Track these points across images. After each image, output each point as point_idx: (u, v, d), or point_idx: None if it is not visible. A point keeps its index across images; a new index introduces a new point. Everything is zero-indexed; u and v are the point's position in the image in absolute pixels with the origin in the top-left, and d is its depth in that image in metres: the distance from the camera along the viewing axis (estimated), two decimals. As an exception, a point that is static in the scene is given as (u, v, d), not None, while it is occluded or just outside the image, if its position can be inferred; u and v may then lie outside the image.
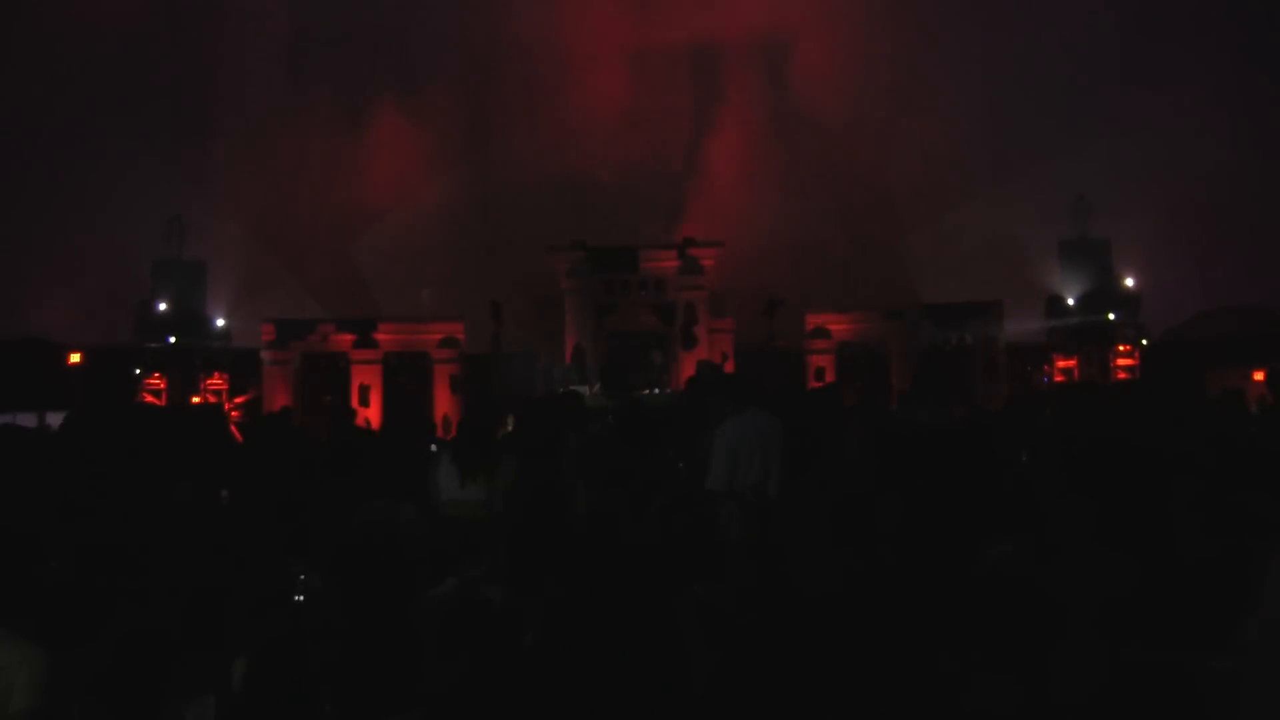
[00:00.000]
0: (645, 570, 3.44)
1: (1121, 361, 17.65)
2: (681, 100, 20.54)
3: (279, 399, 17.59)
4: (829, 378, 17.67)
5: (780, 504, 5.29)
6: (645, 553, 3.65)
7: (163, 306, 18.02)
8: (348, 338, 18.45)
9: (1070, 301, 18.25)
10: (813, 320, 18.50)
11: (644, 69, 20.32)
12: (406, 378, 18.43)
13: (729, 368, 17.00)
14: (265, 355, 18.34)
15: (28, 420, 11.77)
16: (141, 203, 18.44)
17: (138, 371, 17.73)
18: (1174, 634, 2.96)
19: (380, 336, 18.53)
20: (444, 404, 17.88)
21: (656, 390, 15.04)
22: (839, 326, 18.57)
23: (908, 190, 19.89)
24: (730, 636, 3.07)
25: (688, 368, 16.33)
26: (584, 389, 13.18)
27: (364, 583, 3.40)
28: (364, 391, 18.11)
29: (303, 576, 3.82)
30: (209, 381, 18.33)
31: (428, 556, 4.01)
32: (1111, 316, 17.78)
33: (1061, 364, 18.18)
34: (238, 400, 18.29)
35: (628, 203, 20.53)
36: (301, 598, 3.77)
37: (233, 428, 15.01)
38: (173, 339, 17.89)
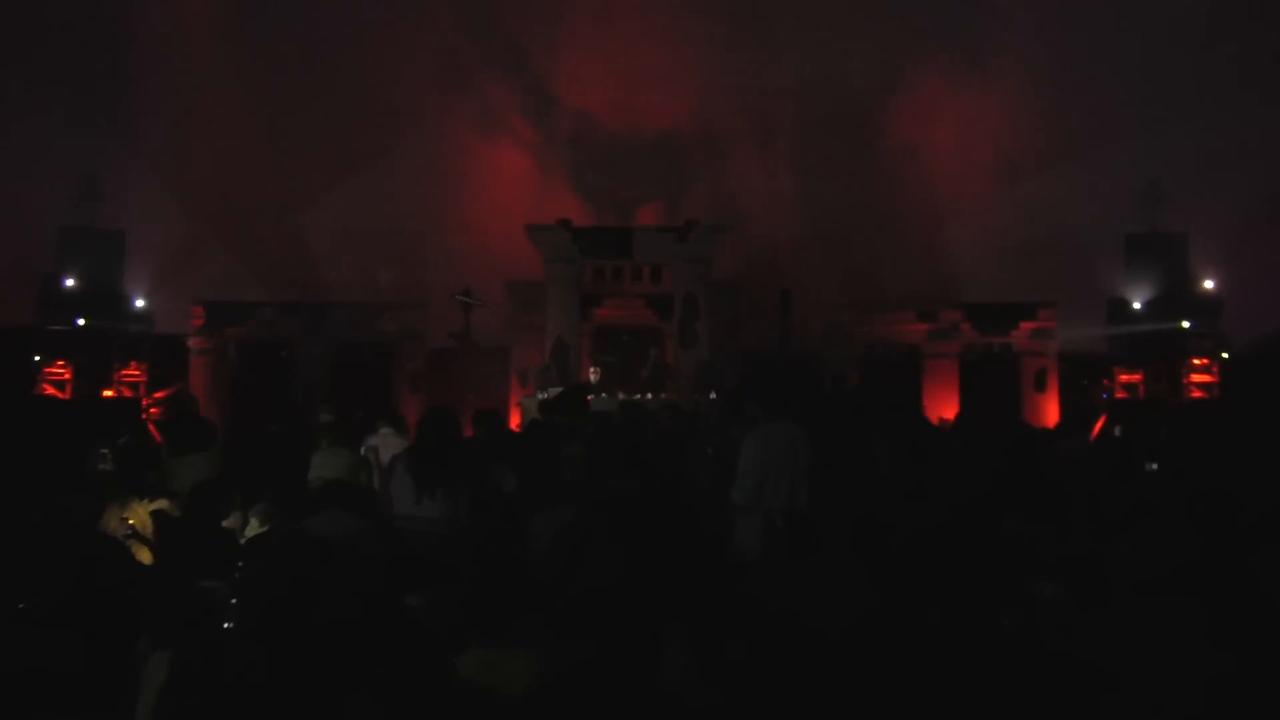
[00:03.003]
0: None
1: (1196, 378, 17.38)
2: (687, 54, 20.28)
3: (207, 393, 17.20)
4: (850, 384, 17.46)
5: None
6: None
7: (70, 282, 17.62)
8: (292, 324, 18.40)
9: (1136, 305, 18.10)
10: (833, 320, 18.53)
11: (640, 13, 20.13)
12: (360, 372, 18.31)
13: (734, 371, 16.97)
14: (193, 343, 18.19)
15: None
16: (48, 160, 18.22)
17: (37, 358, 17.31)
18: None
19: (331, 324, 18.49)
20: (402, 403, 17.32)
21: (649, 395, 15.08)
22: (864, 327, 18.58)
23: (948, 171, 19.82)
24: (732, 676, 3.17)
25: (686, 369, 16.68)
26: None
27: (296, 608, 3.41)
28: (309, 388, 17.63)
29: (234, 601, 3.86)
30: (124, 372, 18.03)
31: (381, 578, 4.15)
32: (1185, 324, 17.52)
33: (1124, 378, 18.02)
34: (158, 395, 17.85)
35: (621, 176, 20.53)
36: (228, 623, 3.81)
37: (151, 427, 14.90)
38: (82, 320, 17.49)
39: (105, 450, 6.68)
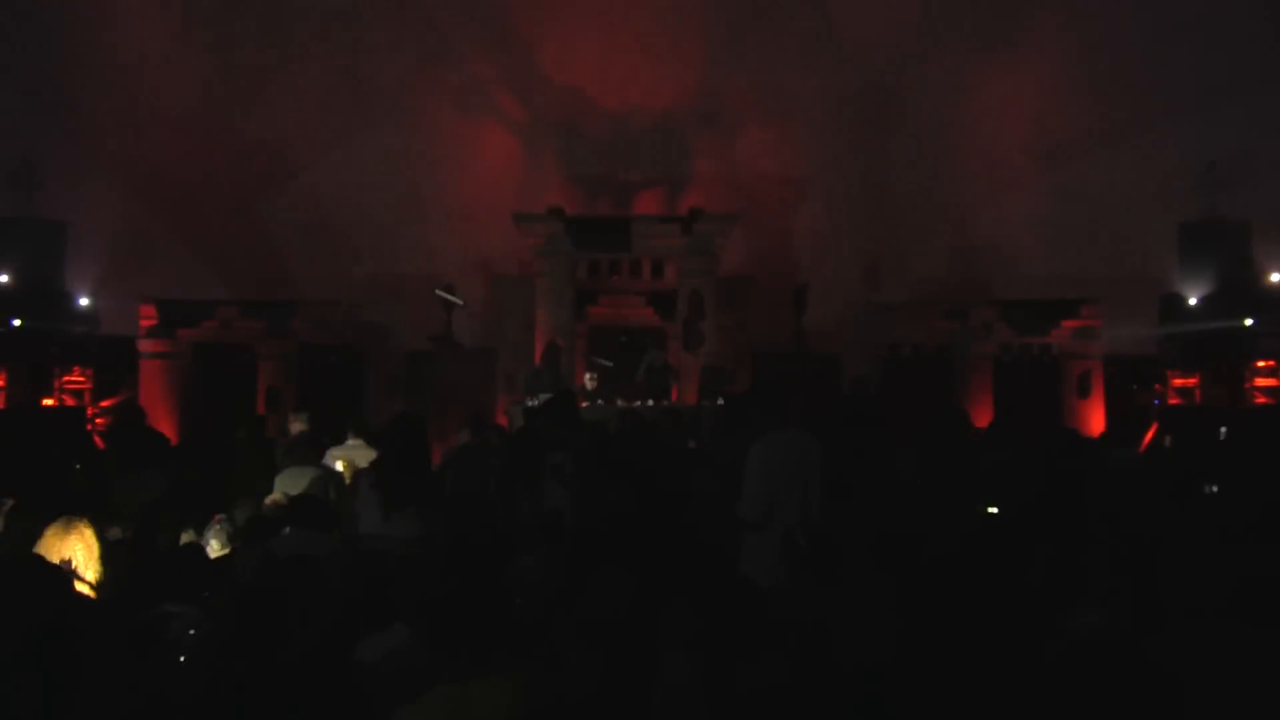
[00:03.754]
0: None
1: (1261, 382, 17.15)
2: (691, 24, 20.26)
3: (160, 402, 17.38)
4: (871, 389, 17.23)
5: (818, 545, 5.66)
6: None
7: (4, 278, 17.40)
8: (255, 325, 18.33)
9: (1192, 301, 17.84)
10: (853, 317, 18.48)
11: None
12: (330, 378, 18.33)
13: (743, 375, 17.50)
14: (144, 345, 18.05)
15: None
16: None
17: (-34, 363, 17.07)
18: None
19: (299, 324, 18.44)
20: (377, 412, 17.21)
21: (651, 402, 15.04)
22: (885, 325, 18.51)
23: (982, 153, 19.77)
24: (747, 706, 3.28)
25: (691, 372, 16.80)
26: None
27: (265, 630, 3.55)
28: (273, 395, 17.95)
29: (193, 631, 3.96)
30: (67, 378, 17.87)
31: (355, 599, 4.29)
32: (1248, 322, 17.19)
33: (1178, 382, 17.84)
34: (104, 404, 17.97)
35: (618, 159, 20.61)
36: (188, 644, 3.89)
37: (96, 439, 15.30)
38: (17, 321, 17.23)
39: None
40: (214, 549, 6.22)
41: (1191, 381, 17.77)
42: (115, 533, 6.01)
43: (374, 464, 6.29)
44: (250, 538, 6.20)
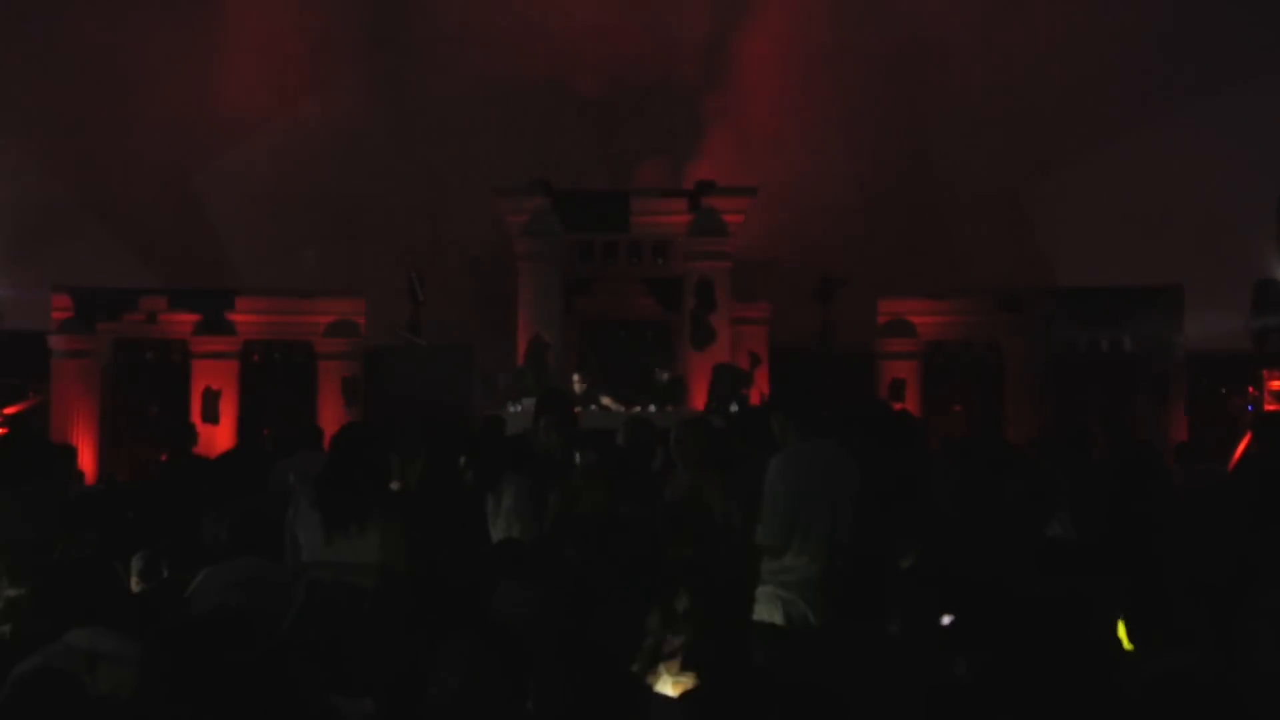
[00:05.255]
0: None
1: (1372, 384, 17.10)
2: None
3: (76, 406, 17.27)
4: (910, 393, 17.65)
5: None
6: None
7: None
8: (188, 318, 18.23)
9: (1293, 289, 17.83)
10: (888, 308, 18.39)
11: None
12: (276, 380, 18.37)
13: (761, 375, 17.55)
14: (56, 342, 18.02)
15: None
16: None
17: None
18: None
19: (239, 317, 18.38)
20: (331, 418, 17.35)
21: (653, 407, 15.33)
22: (928, 319, 18.41)
23: (1039, 118, 19.73)
24: None
25: (700, 373, 16.74)
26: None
27: (202, 685, 3.56)
28: (210, 399, 17.91)
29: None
30: (-40, 381, 17.97)
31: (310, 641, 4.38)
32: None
33: (1276, 384, 17.82)
34: (8, 410, 17.96)
35: (616, 127, 20.70)
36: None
37: None
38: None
39: None
40: (136, 583, 6.23)
41: (1293, 383, 17.76)
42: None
43: (315, 479, 6.15)
44: (175, 570, 6.26)
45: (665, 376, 16.22)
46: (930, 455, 8.00)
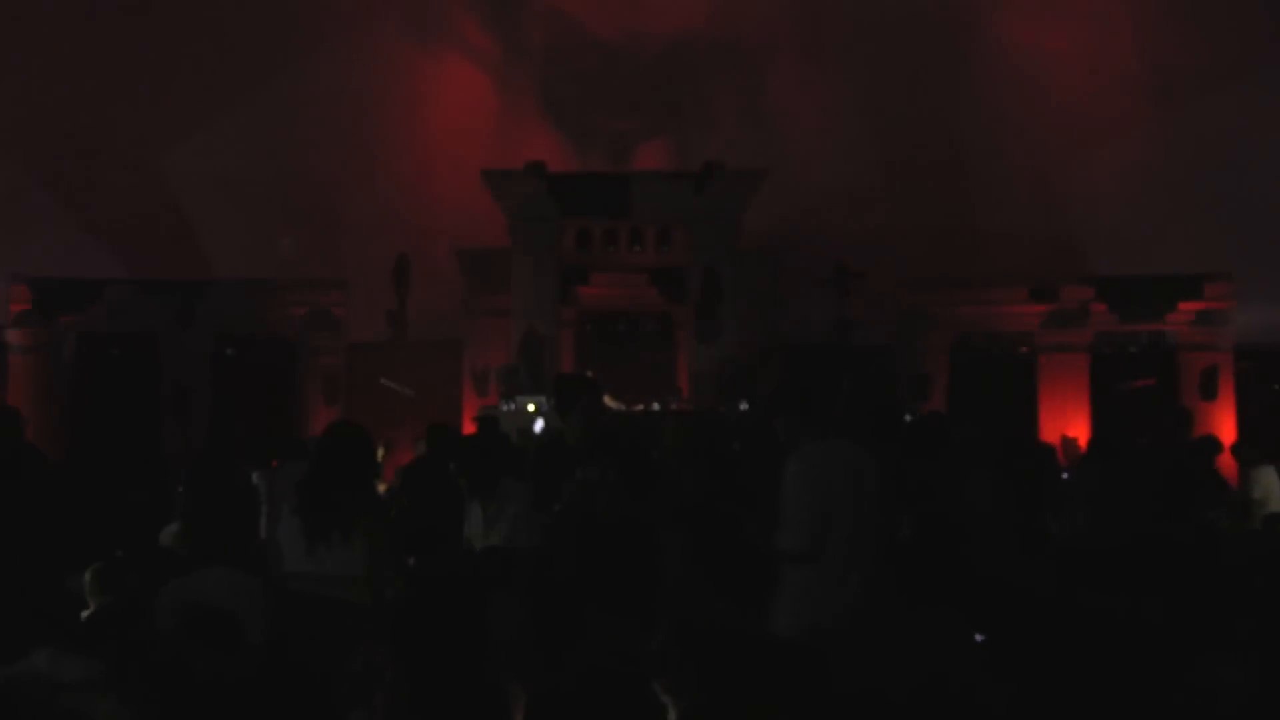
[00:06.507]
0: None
1: None
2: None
3: (34, 406, 16.67)
4: (937, 391, 17.71)
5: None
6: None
7: None
8: (156, 310, 18.26)
9: (1354, 277, 17.90)
10: (910, 299, 18.49)
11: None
12: (253, 375, 18.41)
13: (772, 372, 17.01)
14: (14, 336, 18.15)
15: None
16: None
17: None
18: None
19: (210, 309, 18.36)
20: (314, 417, 17.67)
21: (657, 406, 15.26)
22: (955, 310, 18.44)
23: (1075, 90, 19.70)
24: None
25: (705, 368, 16.61)
26: (538, 402, 14.13)
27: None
28: (179, 397, 17.90)
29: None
30: (-86, 376, 17.93)
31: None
32: None
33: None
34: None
35: (614, 102, 20.55)
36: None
37: None
38: None
39: None
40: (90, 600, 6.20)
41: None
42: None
43: (298, 483, 6.11)
44: (139, 583, 6.10)
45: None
46: (956, 458, 8.01)
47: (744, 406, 14.33)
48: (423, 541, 7.26)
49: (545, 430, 12.89)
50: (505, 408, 14.53)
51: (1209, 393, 17.57)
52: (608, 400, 15.26)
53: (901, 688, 4.38)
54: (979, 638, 5.14)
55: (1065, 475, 10.31)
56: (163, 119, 19.66)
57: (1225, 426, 16.99)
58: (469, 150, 18.81)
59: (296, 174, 19.76)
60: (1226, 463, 11.74)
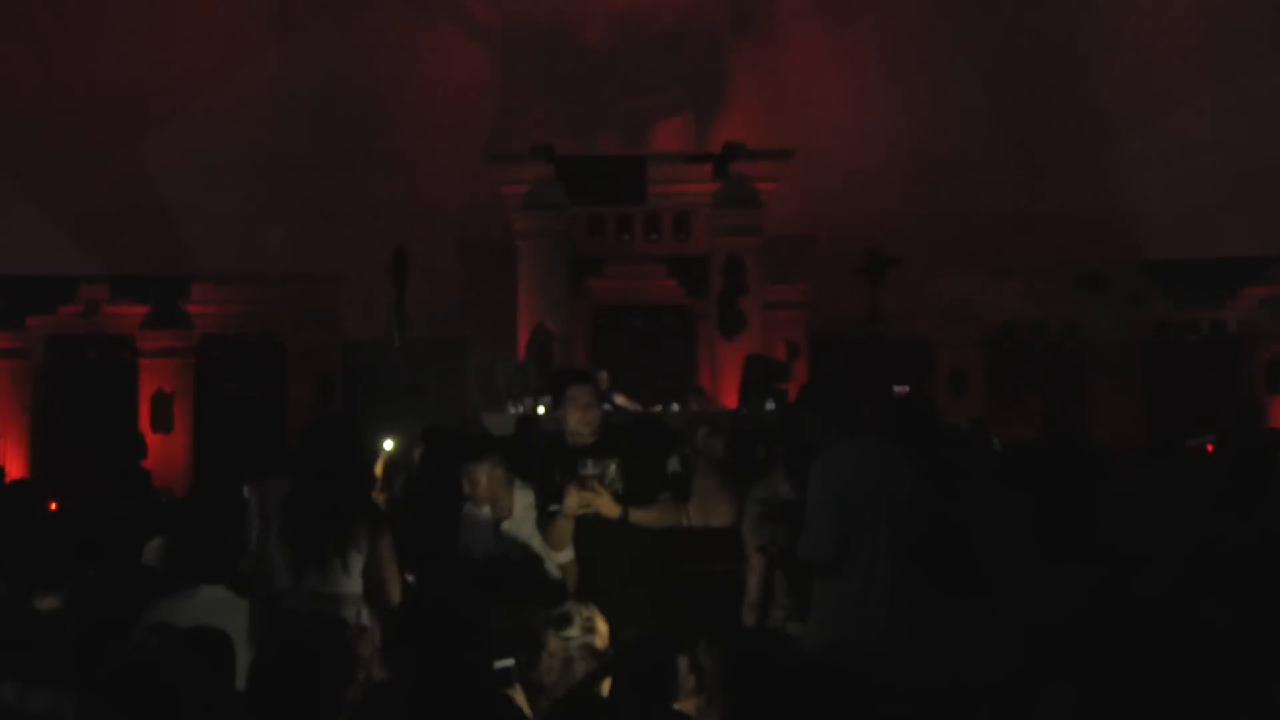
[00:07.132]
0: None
1: None
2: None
3: (4, 414, 17.44)
4: (974, 385, 17.76)
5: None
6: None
7: None
8: (134, 310, 18.36)
9: None
10: (947, 288, 18.50)
11: None
12: (239, 379, 18.44)
13: (800, 367, 17.44)
14: (-22, 339, 18.40)
15: None
16: None
17: None
18: None
19: (194, 308, 18.51)
20: (304, 423, 17.48)
21: (676, 406, 15.16)
22: (994, 299, 18.45)
23: (1128, 59, 19.53)
24: None
25: (728, 365, 16.74)
26: (548, 404, 13.95)
27: None
28: (162, 403, 17.96)
29: None
30: None
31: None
32: None
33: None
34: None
35: (627, 77, 20.42)
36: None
37: None
38: None
39: None
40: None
41: None
42: None
43: (286, 497, 6.22)
44: (114, 604, 6.03)
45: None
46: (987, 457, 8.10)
47: (769, 406, 14.20)
48: (423, 559, 7.25)
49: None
50: (513, 410, 14.44)
51: (1275, 386, 17.47)
52: (621, 400, 15.20)
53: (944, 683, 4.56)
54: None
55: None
56: (139, 97, 19.49)
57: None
58: (472, 131, 18.92)
59: (286, 160, 19.52)
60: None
